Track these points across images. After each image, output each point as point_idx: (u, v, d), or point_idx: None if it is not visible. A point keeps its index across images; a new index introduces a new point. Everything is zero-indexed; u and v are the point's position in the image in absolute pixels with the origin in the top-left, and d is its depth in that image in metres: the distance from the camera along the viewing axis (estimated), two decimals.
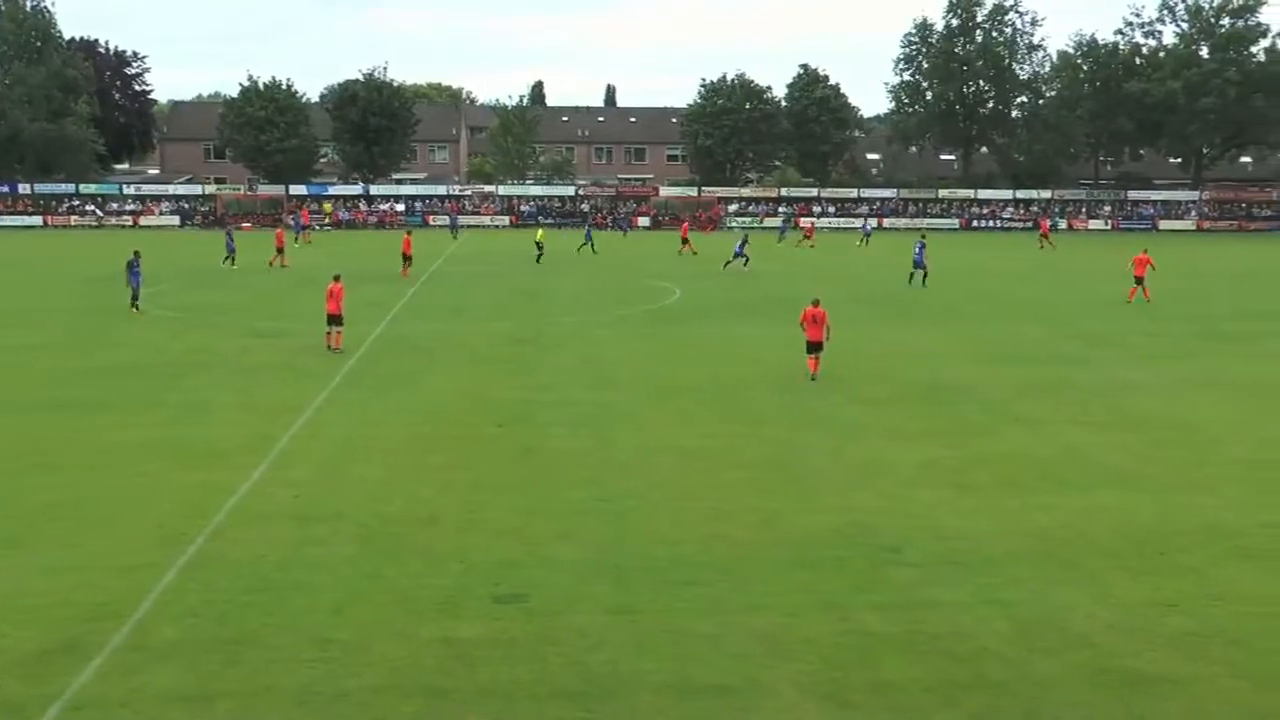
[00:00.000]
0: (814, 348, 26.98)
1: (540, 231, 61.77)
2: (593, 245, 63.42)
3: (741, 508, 17.23)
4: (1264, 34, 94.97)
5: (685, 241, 63.94)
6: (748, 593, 14.03)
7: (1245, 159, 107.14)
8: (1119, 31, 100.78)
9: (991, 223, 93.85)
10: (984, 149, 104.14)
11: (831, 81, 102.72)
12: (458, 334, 33.86)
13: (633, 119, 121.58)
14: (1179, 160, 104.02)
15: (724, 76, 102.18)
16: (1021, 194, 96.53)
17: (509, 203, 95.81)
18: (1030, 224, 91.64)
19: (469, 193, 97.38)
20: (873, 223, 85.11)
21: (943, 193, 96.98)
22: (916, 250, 48.00)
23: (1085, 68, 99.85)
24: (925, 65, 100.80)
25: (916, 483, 18.68)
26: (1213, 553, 15.58)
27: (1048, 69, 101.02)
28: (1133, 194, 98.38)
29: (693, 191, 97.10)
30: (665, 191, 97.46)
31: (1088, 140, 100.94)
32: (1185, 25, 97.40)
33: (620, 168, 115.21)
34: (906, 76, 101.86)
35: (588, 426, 22.24)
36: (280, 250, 54.74)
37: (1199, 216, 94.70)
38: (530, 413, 23.45)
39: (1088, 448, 21.16)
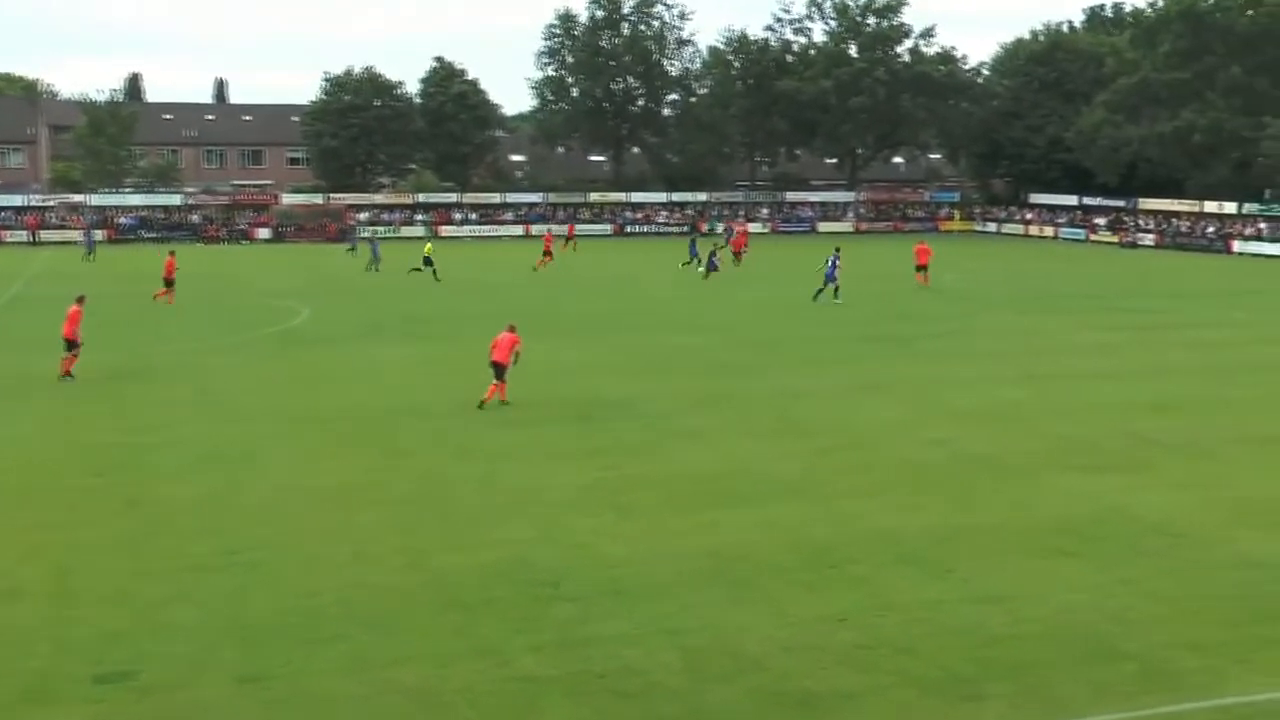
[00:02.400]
0: (497, 371, 26.66)
1: (429, 245, 61.40)
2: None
3: (385, 550, 17.02)
4: (907, 34, 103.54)
5: (547, 254, 63.25)
6: (395, 644, 13.84)
7: (898, 159, 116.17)
8: (769, 28, 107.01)
9: (646, 227, 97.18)
10: (636, 149, 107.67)
11: (470, 76, 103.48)
12: (44, 369, 31.59)
13: (247, 117, 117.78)
14: (835, 161, 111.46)
15: (350, 70, 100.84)
16: (677, 196, 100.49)
17: (104, 214, 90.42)
18: (686, 228, 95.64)
19: (53, 203, 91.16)
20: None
21: (593, 196, 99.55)
22: (829, 265, 47.23)
23: (737, 64, 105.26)
24: (570, 60, 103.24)
25: (575, 509, 19.04)
26: (879, 560, 16.74)
27: (699, 65, 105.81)
28: (790, 195, 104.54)
29: (319, 198, 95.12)
30: (287, 199, 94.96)
31: (743, 140, 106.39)
32: (834, 23, 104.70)
33: (235, 172, 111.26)
34: (550, 71, 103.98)
35: (206, 469, 21.38)
36: None
37: (857, 218, 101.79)
38: (136, 457, 22.29)
39: (755, 459, 22.26)
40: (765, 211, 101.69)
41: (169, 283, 47.68)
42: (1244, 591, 15.59)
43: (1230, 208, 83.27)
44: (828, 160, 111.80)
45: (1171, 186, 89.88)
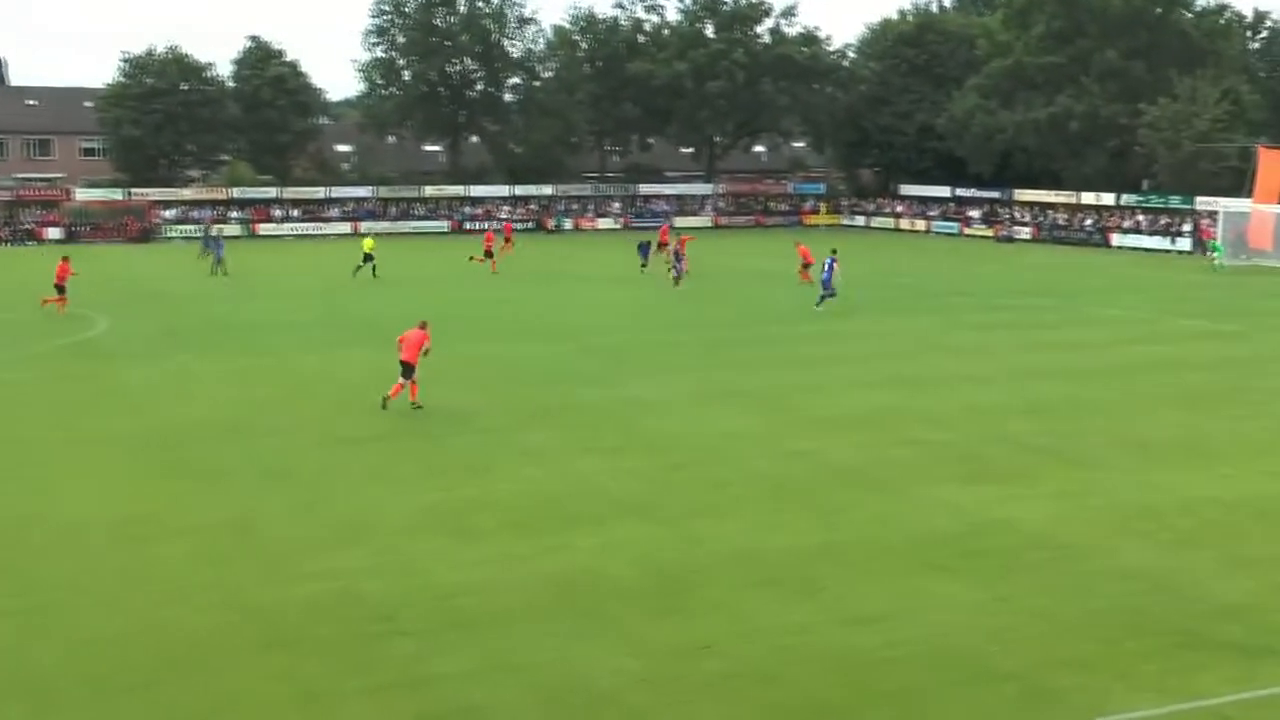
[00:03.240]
0: (405, 370, 27.74)
1: (369, 240, 61.35)
2: None
3: (195, 586, 16.71)
4: (767, 13, 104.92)
5: (489, 255, 62.26)
6: (210, 692, 13.57)
7: (759, 148, 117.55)
8: (619, 5, 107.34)
9: (487, 224, 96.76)
10: (475, 138, 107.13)
11: (289, 58, 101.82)
12: None
13: (32, 101, 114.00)
14: (691, 150, 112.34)
15: (152, 50, 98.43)
16: (521, 190, 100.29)
17: None
18: (531, 223, 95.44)
19: None
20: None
21: (429, 190, 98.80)
22: (825, 269, 46.20)
23: (584, 45, 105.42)
24: (401, 40, 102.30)
25: (410, 534, 18.93)
26: (739, 582, 16.93)
27: (542, 46, 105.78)
28: (644, 188, 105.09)
29: (118, 194, 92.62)
30: (81, 195, 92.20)
31: (591, 128, 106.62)
32: (688, 1, 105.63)
33: (18, 164, 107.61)
34: (379, 53, 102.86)
35: None
36: None
37: (715, 212, 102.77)
38: None
39: (601, 477, 22.40)
40: (617, 206, 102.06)
41: (60, 288, 46.52)
42: (1123, 604, 16.15)
43: (1108, 199, 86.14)
44: (684, 150, 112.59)
45: (1048, 177, 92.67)
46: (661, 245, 62.79)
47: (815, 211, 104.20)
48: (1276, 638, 15.11)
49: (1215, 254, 64.64)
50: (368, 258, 58.01)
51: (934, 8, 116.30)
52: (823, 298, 45.24)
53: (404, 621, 15.52)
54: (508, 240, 65.21)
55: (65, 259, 48.27)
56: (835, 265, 45.66)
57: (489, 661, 14.37)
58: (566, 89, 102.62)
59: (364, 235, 71.17)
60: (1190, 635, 15.16)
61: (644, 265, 59.65)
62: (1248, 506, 20.61)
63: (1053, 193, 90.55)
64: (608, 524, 19.53)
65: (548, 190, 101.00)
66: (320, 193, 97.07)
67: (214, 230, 78.23)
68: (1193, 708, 13.28)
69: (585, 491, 21.43)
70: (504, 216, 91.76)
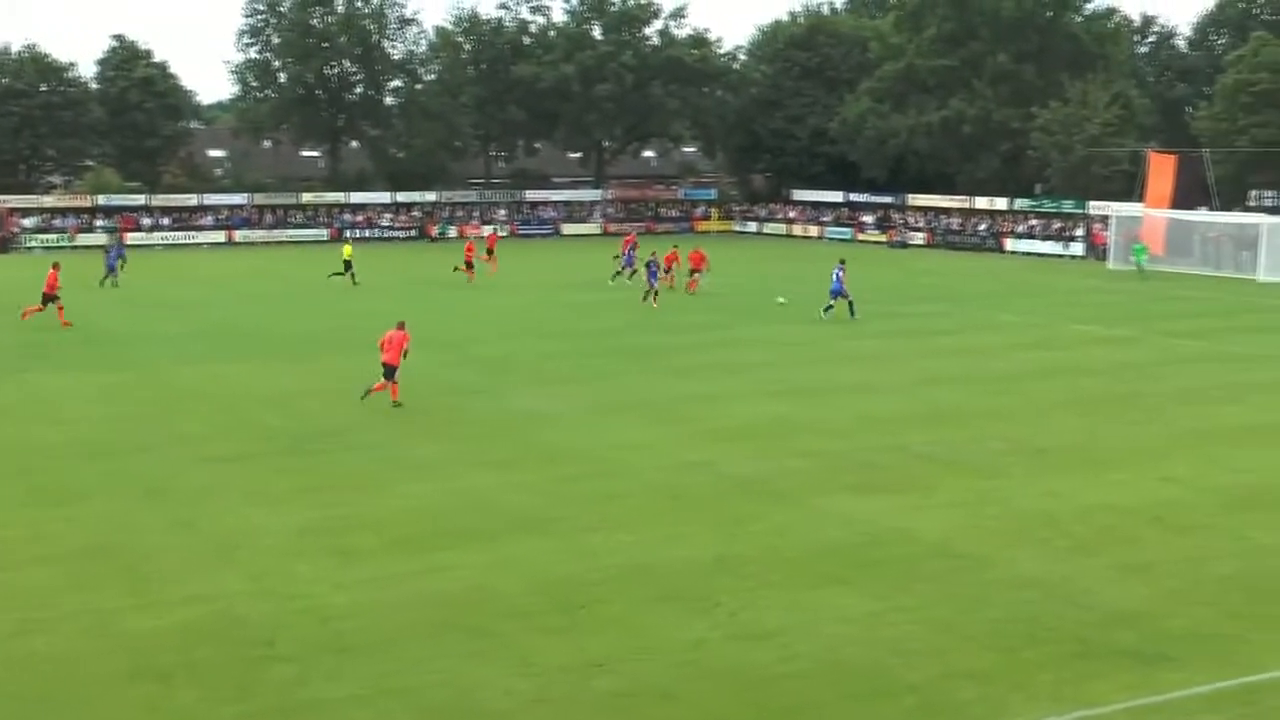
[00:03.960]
0: (387, 371, 29.42)
1: (348, 247, 62.12)
2: None
3: (59, 614, 16.35)
4: (656, 14, 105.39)
5: (469, 266, 60.84)
6: None
7: (649, 153, 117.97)
8: (504, 6, 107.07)
9: (369, 231, 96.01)
10: (355, 143, 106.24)
11: (157, 58, 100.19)
12: None
13: None
14: (579, 155, 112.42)
15: (8, 48, 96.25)
16: (403, 197, 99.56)
17: None
18: (414, 230, 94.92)
19: None
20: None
21: (307, 197, 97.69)
22: (835, 277, 46.69)
23: (468, 47, 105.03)
24: (276, 40, 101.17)
25: (289, 555, 18.70)
26: (635, 598, 16.97)
27: (424, 48, 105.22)
28: (531, 195, 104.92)
29: None
30: None
31: (476, 132, 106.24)
32: (575, 2, 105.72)
33: None
34: (253, 54, 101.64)
35: None
36: None
37: (605, 218, 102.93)
38: None
39: (491, 491, 22.31)
40: (503, 213, 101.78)
41: (51, 299, 44.96)
42: (1020, 613, 16.44)
43: (1001, 203, 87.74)
44: (571, 154, 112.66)
45: (941, 181, 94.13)
46: (619, 254, 62.37)
47: (707, 217, 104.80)
48: (1169, 644, 15.48)
49: (1138, 259, 65.21)
50: (347, 265, 59.15)
51: (825, 10, 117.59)
52: (851, 305, 45.96)
53: (284, 646, 15.32)
54: (490, 253, 64.24)
55: (56, 265, 47.08)
56: (843, 273, 46.70)
57: (374, 685, 14.23)
58: (450, 92, 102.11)
59: (343, 242, 70.70)
60: (1086, 643, 15.46)
61: (621, 273, 58.38)
62: (1142, 513, 21.09)
63: (946, 197, 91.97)
64: (498, 540, 19.45)
65: (431, 197, 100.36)
66: (192, 200, 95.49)
67: (111, 241, 77.20)
68: (1088, 715, 13.55)
69: (474, 506, 21.32)
70: (489, 228, 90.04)
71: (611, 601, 16.86)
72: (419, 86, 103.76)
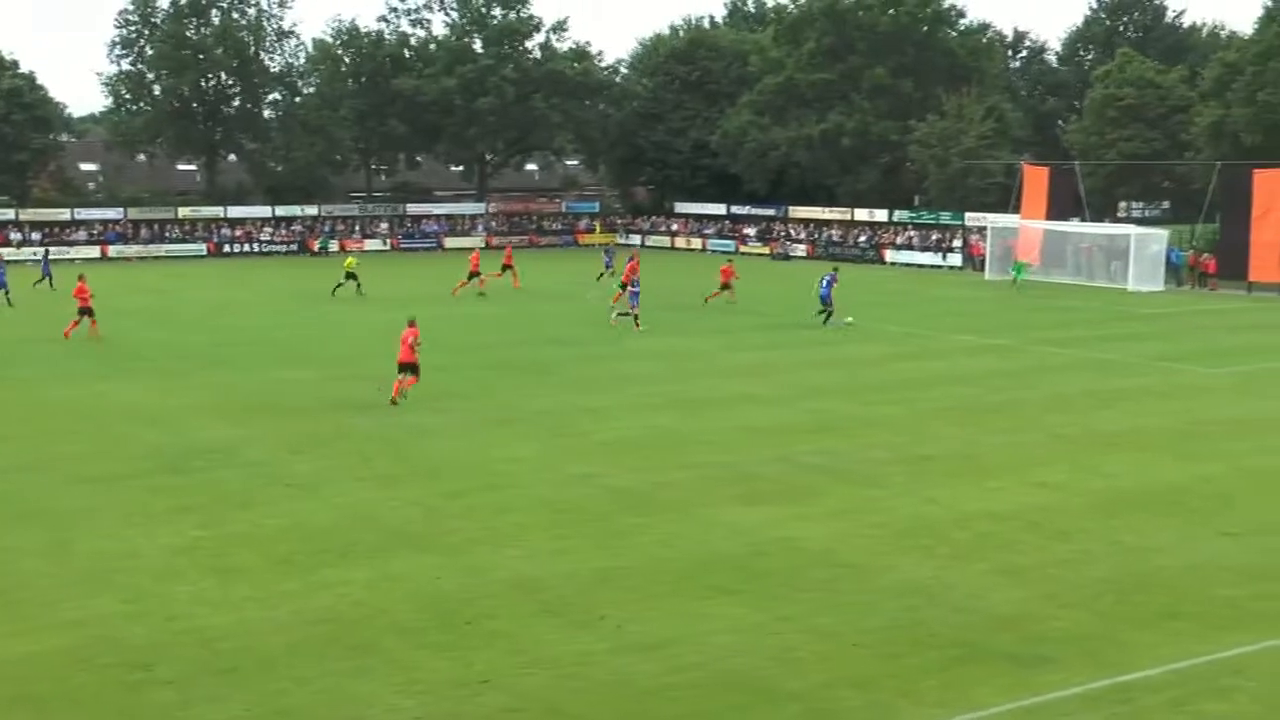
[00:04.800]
0: (403, 368, 31.47)
1: (351, 259, 61.94)
2: None
3: None
4: (537, 28, 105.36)
5: (474, 275, 59.65)
6: None
7: (531, 166, 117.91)
8: (384, 19, 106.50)
9: (248, 246, 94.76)
10: (232, 157, 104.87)
11: (25, 69, 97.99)
12: None
13: None
14: (462, 168, 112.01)
15: None
16: (282, 211, 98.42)
17: None
18: (295, 245, 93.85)
19: None
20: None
21: (184, 211, 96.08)
22: (823, 285, 48.15)
23: (347, 60, 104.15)
24: (150, 52, 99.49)
25: (169, 576, 18.41)
26: (521, 612, 16.96)
27: (303, 61, 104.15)
28: (413, 208, 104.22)
29: None
30: None
31: (357, 146, 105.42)
32: (455, 15, 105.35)
33: None
34: (126, 65, 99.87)
35: None
36: None
37: (488, 232, 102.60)
38: None
39: (374, 507, 22.17)
40: (385, 226, 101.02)
41: (86, 311, 44.53)
42: (903, 619, 16.70)
43: (881, 215, 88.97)
44: (454, 168, 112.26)
45: (822, 194, 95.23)
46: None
47: (590, 230, 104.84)
48: (1047, 646, 15.82)
49: (1017, 274, 65.30)
50: (350, 276, 58.89)
51: (705, 24, 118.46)
52: (821, 312, 47.54)
53: (163, 669, 15.07)
54: (508, 266, 62.76)
55: (82, 277, 46.30)
56: (834, 282, 48.28)
57: (255, 707, 14.06)
58: (330, 105, 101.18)
59: (347, 254, 69.99)
60: (968, 647, 15.75)
61: (603, 275, 57.62)
62: (1019, 518, 21.53)
63: (827, 209, 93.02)
64: (382, 556, 19.32)
65: (312, 211, 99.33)
66: (64, 214, 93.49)
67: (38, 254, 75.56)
68: (971, 719, 13.79)
69: (358, 523, 21.16)
70: (505, 240, 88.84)
71: (497, 616, 16.82)
72: (298, 99, 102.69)
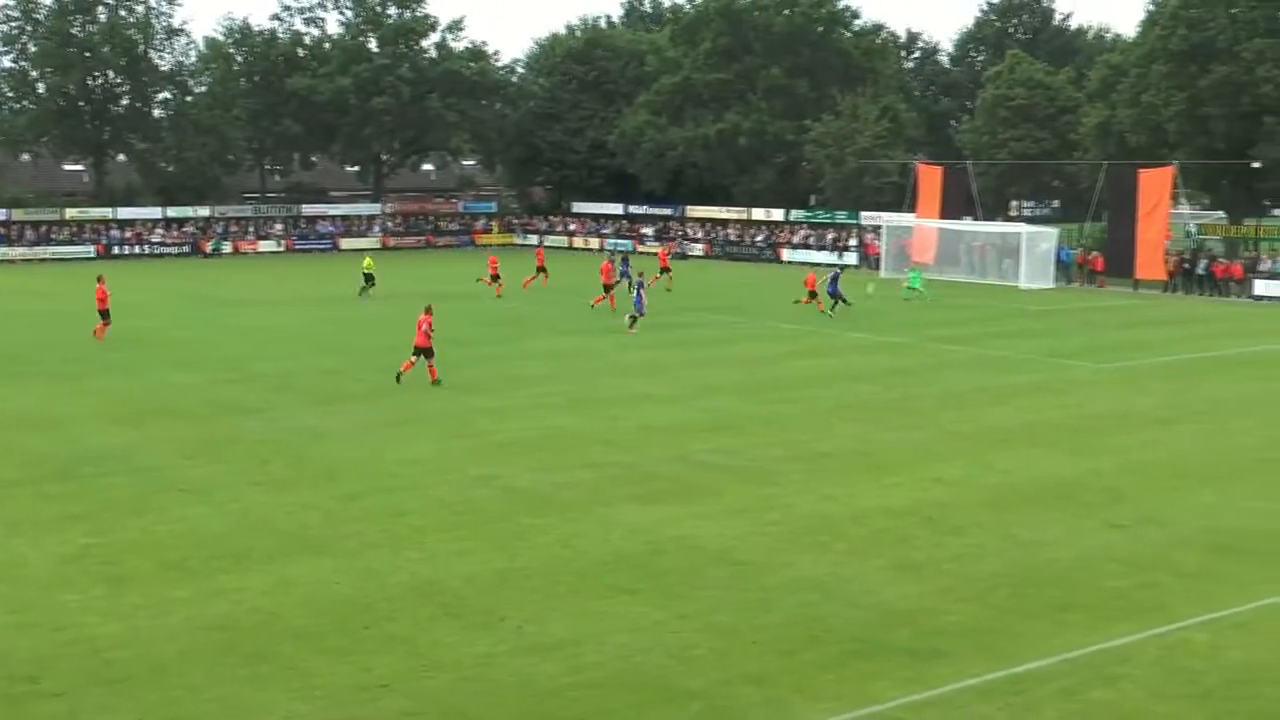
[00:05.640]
0: (419, 352, 34.21)
1: (368, 260, 61.86)
2: None
3: None
4: (433, 27, 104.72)
5: (496, 278, 59.52)
6: None
7: (427, 166, 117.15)
8: (277, 17, 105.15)
9: (139, 248, 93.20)
10: (122, 157, 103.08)
11: None
12: None
13: None
14: (357, 169, 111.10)
15: None
16: (174, 212, 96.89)
17: None
18: (187, 246, 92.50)
19: None
20: None
21: (71, 213, 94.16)
22: (830, 284, 52.11)
23: (240, 59, 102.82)
24: (33, 49, 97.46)
25: (57, 585, 18.08)
26: (420, 615, 16.88)
27: (194, 59, 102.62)
28: (308, 209, 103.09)
29: None
30: None
31: (250, 146, 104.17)
32: (350, 13, 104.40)
33: None
34: (8, 63, 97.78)
35: None
36: None
37: (384, 233, 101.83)
38: None
39: (268, 511, 21.97)
40: (279, 227, 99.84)
41: (103, 314, 44.00)
42: (801, 615, 16.86)
43: (778, 215, 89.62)
44: (349, 168, 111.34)
45: (719, 193, 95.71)
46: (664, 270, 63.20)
47: (487, 231, 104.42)
48: (942, 639, 16.06)
49: (913, 287, 60.72)
50: (368, 278, 58.86)
51: (602, 24, 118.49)
52: (834, 305, 51.02)
53: (51, 681, 14.77)
54: (541, 269, 62.31)
55: (101, 279, 45.74)
56: (838, 278, 52.60)
57: (147, 717, 13.88)
58: (222, 105, 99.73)
59: (363, 256, 68.55)
60: (864, 643, 15.93)
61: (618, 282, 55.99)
62: (915, 514, 21.83)
63: (724, 209, 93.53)
64: (278, 561, 19.13)
65: (204, 212, 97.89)
66: None
67: None
68: (868, 713, 13.96)
69: (253, 528, 20.94)
70: (535, 243, 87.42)
71: (396, 620, 16.72)
72: (189, 99, 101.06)
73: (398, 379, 34.07)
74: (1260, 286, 61.29)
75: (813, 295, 53.36)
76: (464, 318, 50.49)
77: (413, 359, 34.35)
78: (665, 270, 62.60)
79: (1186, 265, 64.47)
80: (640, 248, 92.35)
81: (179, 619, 16.70)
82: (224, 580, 18.23)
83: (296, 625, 16.52)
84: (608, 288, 53.35)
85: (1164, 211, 63.41)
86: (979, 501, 22.77)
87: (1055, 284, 64.93)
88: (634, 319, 46.10)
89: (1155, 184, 62.81)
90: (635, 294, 47.26)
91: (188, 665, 15.19)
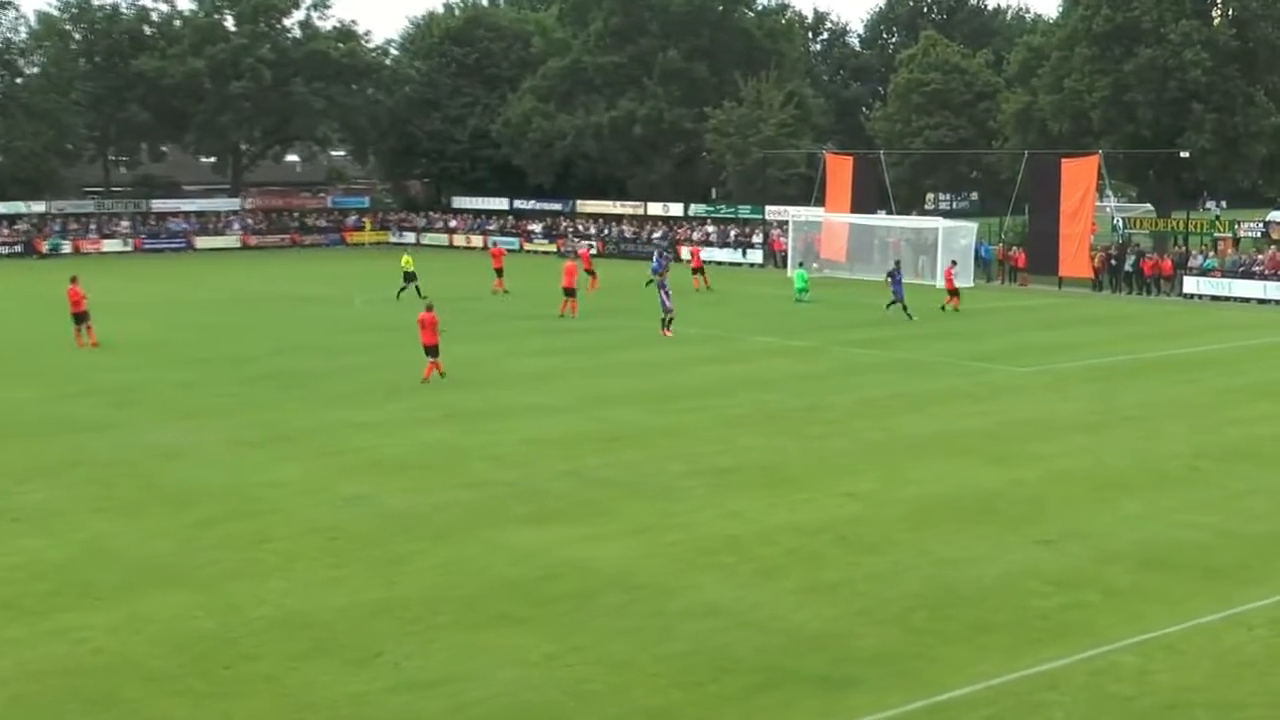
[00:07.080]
0: (429, 351, 36.29)
1: (407, 258, 61.82)
2: None
3: None
4: (297, 4, 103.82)
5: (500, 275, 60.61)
6: None
7: (292, 157, 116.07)
8: None
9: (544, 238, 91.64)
10: None
11: None
12: None
13: None
14: (214, 160, 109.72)
15: None
16: (4, 208, 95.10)
17: None
18: (20, 246, 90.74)
19: None
20: None
21: None
22: (893, 281, 53.29)
23: (78, 37, 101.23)
24: None
25: None
26: (288, 652, 16.68)
27: (25, 36, 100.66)
28: (158, 205, 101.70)
29: None
30: None
31: (91, 134, 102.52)
32: None
33: None
34: None
35: None
36: None
37: (244, 231, 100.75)
38: None
39: (116, 540, 21.65)
40: (126, 224, 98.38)
41: (81, 316, 43.87)
42: (705, 644, 16.88)
43: (676, 209, 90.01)
44: (204, 159, 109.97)
45: (613, 187, 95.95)
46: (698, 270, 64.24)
47: (359, 228, 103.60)
48: (858, 666, 16.17)
49: (800, 291, 59.66)
50: (409, 276, 58.73)
51: (484, 1, 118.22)
52: (899, 305, 51.90)
53: None
54: (589, 270, 62.47)
55: (75, 279, 44.97)
56: (899, 275, 54.07)
57: None
58: (58, 88, 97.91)
59: (403, 253, 67.71)
60: (774, 671, 16.00)
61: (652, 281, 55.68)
62: (827, 531, 21.98)
63: (618, 203, 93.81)
64: (127, 595, 18.81)
65: (39, 208, 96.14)
66: None
67: None
68: None
69: (98, 559, 20.61)
70: (585, 241, 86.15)
71: (261, 658, 16.50)
72: (19, 80, 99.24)
73: (427, 381, 36.16)
74: (1190, 284, 62.46)
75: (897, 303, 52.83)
76: (333, 324, 50.09)
77: (431, 360, 36.40)
78: (698, 270, 64.40)
79: (1113, 261, 65.60)
80: (527, 246, 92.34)
81: (10, 663, 16.33)
82: (64, 619, 17.86)
83: (148, 666, 16.24)
84: (569, 291, 52.70)
85: (1089, 204, 64.59)
86: (895, 517, 22.98)
87: (975, 282, 65.61)
88: (666, 321, 46.74)
89: (1079, 174, 63.98)
90: (661, 294, 47.51)
91: (22, 714, 14.90)
